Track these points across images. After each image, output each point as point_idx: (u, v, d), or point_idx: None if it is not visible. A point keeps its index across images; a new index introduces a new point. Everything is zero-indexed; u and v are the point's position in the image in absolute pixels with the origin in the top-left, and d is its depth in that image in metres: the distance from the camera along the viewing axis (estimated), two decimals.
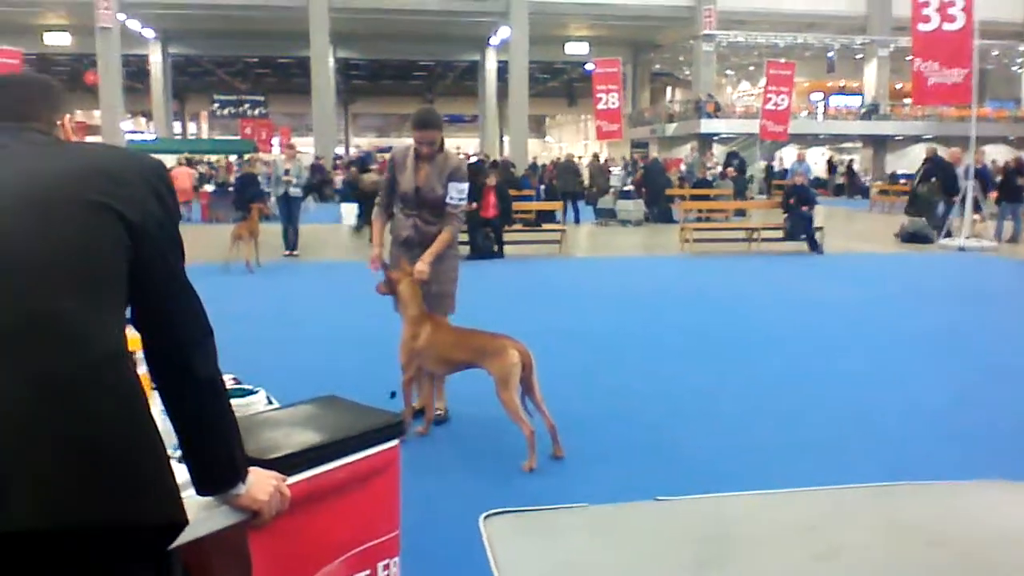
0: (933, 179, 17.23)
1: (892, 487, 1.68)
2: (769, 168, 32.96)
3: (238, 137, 38.31)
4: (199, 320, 1.57)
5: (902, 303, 9.22)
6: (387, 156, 13.52)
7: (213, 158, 32.00)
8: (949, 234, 15.27)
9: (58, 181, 1.42)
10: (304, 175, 13.45)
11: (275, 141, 34.77)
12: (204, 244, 14.89)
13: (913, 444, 4.51)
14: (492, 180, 13.30)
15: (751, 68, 41.06)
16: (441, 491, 3.90)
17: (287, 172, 12.89)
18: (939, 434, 4.71)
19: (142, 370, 1.62)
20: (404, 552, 2.44)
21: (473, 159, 23.10)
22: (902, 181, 28.70)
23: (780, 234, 14.13)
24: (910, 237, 15.48)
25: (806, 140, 39.92)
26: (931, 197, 16.71)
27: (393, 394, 4.73)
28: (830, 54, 34.98)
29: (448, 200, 4.64)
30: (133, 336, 1.58)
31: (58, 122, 1.62)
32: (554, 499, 3.73)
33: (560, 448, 4.22)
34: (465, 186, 4.72)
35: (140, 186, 1.49)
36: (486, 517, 1.45)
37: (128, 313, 1.51)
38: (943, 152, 17.91)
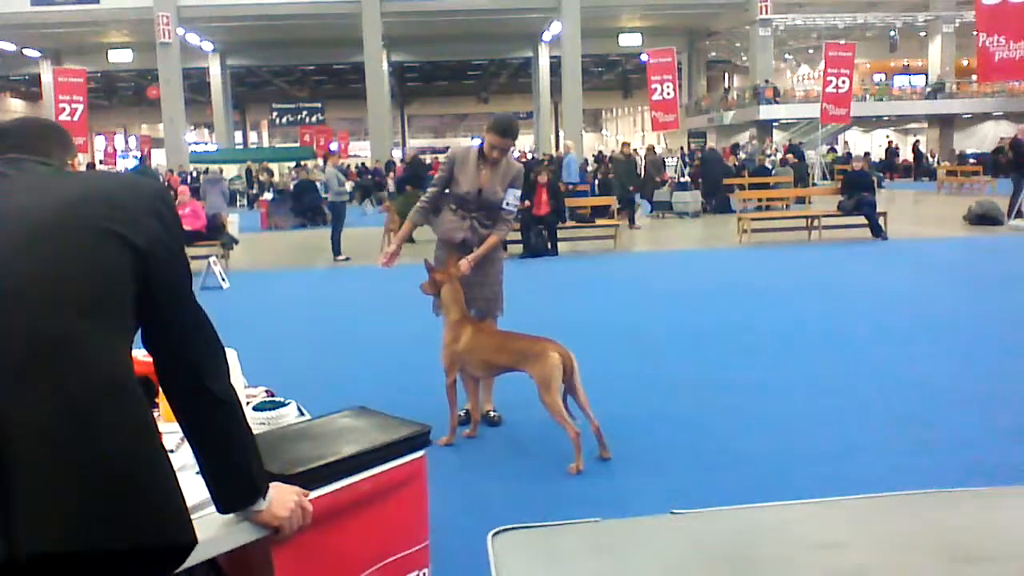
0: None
1: (927, 495, 1.59)
2: (833, 152, 32.23)
3: (297, 144, 38.98)
4: (209, 338, 1.58)
5: (966, 291, 8.89)
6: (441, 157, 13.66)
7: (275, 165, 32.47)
8: (1020, 214, 14.70)
9: (63, 208, 1.44)
10: (335, 181, 13.71)
11: (333, 146, 35.28)
12: (261, 251, 15.21)
13: (980, 447, 4.27)
14: (544, 177, 13.19)
15: (810, 51, 40.15)
16: (489, 495, 3.91)
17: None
18: (1013, 436, 4.43)
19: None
20: (447, 559, 2.44)
21: (529, 156, 23.08)
22: (971, 161, 27.79)
23: (841, 221, 13.78)
24: (979, 219, 14.95)
25: (870, 122, 38.92)
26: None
27: None
28: (892, 33, 34.02)
29: (504, 205, 4.70)
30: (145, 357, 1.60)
31: (69, 162, 1.66)
32: (600, 502, 3.70)
33: (607, 450, 4.18)
34: (519, 192, 4.81)
35: (142, 210, 1.50)
36: (495, 534, 1.42)
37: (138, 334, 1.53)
38: (1013, 129, 17.31)
